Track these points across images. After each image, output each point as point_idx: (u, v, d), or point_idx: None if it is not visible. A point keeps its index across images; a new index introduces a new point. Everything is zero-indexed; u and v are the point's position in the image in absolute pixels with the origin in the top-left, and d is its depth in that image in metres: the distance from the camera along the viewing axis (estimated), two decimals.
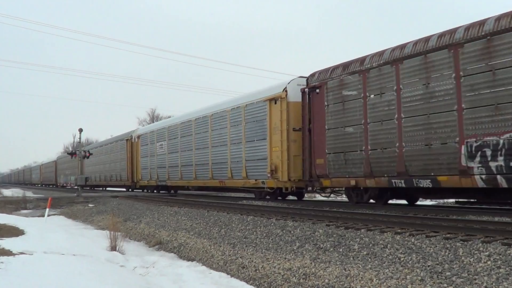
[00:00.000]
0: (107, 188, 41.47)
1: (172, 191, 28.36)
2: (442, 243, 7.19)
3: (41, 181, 72.69)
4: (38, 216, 18.86)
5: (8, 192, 40.32)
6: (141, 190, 31.83)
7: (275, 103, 15.96)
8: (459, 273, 6.00)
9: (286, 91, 15.63)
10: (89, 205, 24.24)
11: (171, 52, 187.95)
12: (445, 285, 5.76)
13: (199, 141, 21.43)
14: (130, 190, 33.05)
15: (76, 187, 37.71)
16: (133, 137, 30.75)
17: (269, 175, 15.87)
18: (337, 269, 7.08)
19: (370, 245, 7.94)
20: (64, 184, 53.09)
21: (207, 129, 20.56)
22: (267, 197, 17.68)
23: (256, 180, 16.80)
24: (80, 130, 30.01)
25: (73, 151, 32.28)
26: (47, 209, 16.68)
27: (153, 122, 67.13)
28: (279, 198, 17.19)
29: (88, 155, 30.80)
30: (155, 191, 29.16)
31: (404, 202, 16.13)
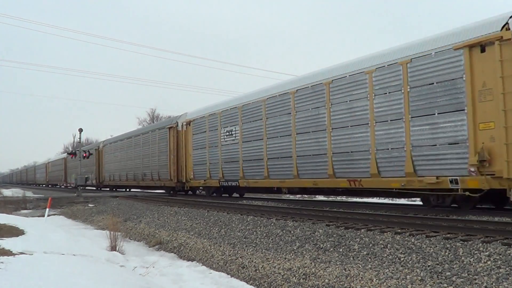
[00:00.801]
0: (134, 190, 34.95)
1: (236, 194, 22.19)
2: (442, 243, 7.19)
3: (47, 181, 65.95)
4: (38, 216, 18.85)
5: (8, 192, 40.29)
6: (191, 192, 25.58)
7: (484, 50, 9.77)
8: (459, 273, 6.00)
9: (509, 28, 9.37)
10: (89, 205, 24.24)
11: (171, 52, 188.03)
12: (445, 285, 5.76)
13: (305, 122, 14.49)
14: (172, 192, 26.33)
15: (92, 187, 36.92)
16: (179, 124, 24.16)
17: (472, 169, 9.80)
18: (337, 269, 7.08)
19: (370, 245, 7.94)
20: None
21: (323, 103, 13.72)
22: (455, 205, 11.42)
23: (438, 177, 10.56)
24: (80, 130, 30.02)
25: (73, 151, 32.13)
26: (47, 209, 16.70)
27: (153, 122, 66.11)
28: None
29: (87, 155, 30.77)
30: (214, 193, 22.33)
31: (404, 202, 16.16)
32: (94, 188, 40.53)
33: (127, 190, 35.78)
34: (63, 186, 54.17)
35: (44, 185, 69.49)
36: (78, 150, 30.44)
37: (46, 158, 77.15)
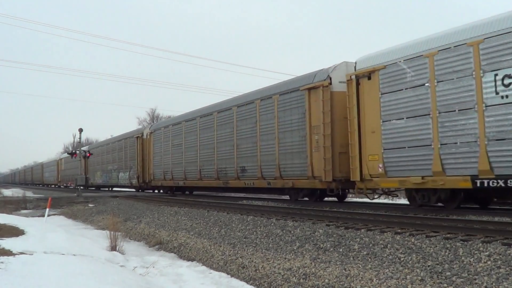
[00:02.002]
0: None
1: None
2: (442, 243, 7.19)
3: (59, 181, 56.13)
4: (38, 216, 18.86)
5: (8, 192, 40.28)
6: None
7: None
8: (459, 273, 6.00)
9: None
10: (89, 205, 24.24)
11: (171, 52, 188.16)
12: (445, 285, 5.76)
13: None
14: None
15: (128, 188, 33.36)
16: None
17: None
18: (337, 269, 7.08)
19: (370, 245, 7.94)
20: (101, 184, 40.01)
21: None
22: None
23: None
24: (80, 130, 30.02)
25: (73, 151, 32.13)
26: (47, 209, 16.68)
27: (153, 122, 65.70)
28: None
29: (88, 155, 30.77)
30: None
31: (404, 202, 16.17)
32: (134, 190, 32.18)
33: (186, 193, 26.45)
34: (81, 188, 42.66)
35: (54, 186, 59.47)
36: (78, 150, 30.41)
37: (55, 155, 72.26)
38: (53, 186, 61.60)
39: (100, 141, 41.60)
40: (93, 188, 41.22)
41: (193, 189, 25.57)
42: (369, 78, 12.17)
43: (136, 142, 29.81)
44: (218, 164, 19.45)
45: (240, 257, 8.95)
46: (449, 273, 6.06)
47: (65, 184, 54.22)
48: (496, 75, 9.40)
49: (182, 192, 26.29)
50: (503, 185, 9.19)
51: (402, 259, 6.98)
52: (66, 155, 53.83)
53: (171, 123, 25.28)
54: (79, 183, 30.04)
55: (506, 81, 9.25)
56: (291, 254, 8.50)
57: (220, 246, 10.10)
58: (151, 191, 30.23)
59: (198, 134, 21.51)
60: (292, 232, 9.90)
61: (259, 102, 16.72)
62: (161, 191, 28.41)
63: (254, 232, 10.67)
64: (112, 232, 11.12)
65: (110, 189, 39.53)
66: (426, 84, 10.66)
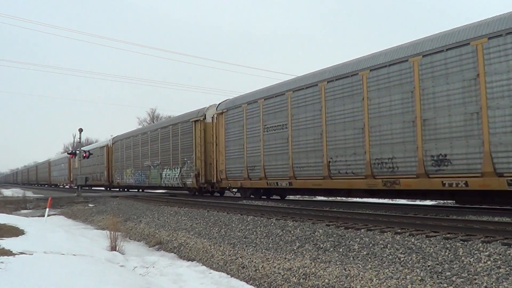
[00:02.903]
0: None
1: None
2: (442, 243, 7.19)
3: (72, 181, 46.31)
4: (38, 216, 18.85)
5: (8, 192, 40.26)
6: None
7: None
8: (459, 273, 6.00)
9: None
10: (89, 205, 24.24)
11: (171, 52, 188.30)
12: (445, 285, 5.76)
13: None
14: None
15: (182, 191, 25.51)
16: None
17: None
18: (337, 269, 7.08)
19: (370, 245, 7.94)
20: (133, 185, 31.07)
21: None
22: None
23: None
24: (80, 130, 29.96)
25: (73, 151, 32.01)
26: (47, 209, 16.69)
27: (153, 122, 65.40)
28: None
29: (87, 155, 30.67)
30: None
31: (404, 202, 16.18)
32: (188, 193, 24.35)
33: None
34: (108, 189, 37.98)
35: (63, 187, 50.95)
36: (78, 150, 30.35)
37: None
38: (62, 187, 52.53)
39: (129, 131, 32.65)
40: (118, 190, 34.59)
41: (302, 192, 17.66)
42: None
43: (194, 128, 21.78)
44: (375, 152, 12.12)
45: (240, 257, 8.95)
46: (449, 273, 6.06)
47: (79, 185, 47.76)
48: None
49: (267, 197, 18.38)
50: None
51: (402, 259, 6.98)
52: (80, 150, 47.06)
53: (261, 96, 16.90)
54: (79, 183, 29.95)
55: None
56: (291, 254, 8.50)
57: (220, 246, 10.10)
58: (219, 194, 23.26)
59: (323, 107, 13.86)
60: (292, 232, 9.90)
61: None
62: (236, 193, 20.82)
63: (254, 232, 10.67)
64: (112, 232, 11.12)
65: (143, 190, 32.64)
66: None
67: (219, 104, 20.46)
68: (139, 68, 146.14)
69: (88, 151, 32.41)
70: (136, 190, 33.32)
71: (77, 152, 30.04)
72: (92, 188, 43.65)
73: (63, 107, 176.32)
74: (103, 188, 40.45)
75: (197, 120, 21.94)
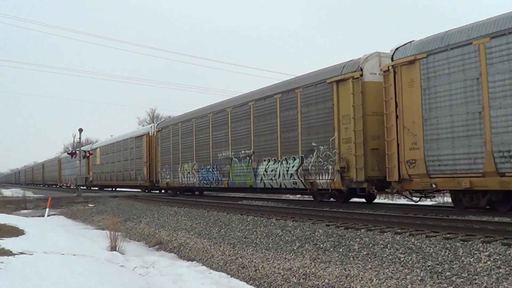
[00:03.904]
0: None
1: None
2: (442, 243, 7.19)
3: (91, 179, 38.88)
4: (38, 216, 18.85)
5: (8, 192, 40.25)
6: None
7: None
8: (459, 273, 6.00)
9: None
10: (89, 205, 24.24)
11: (171, 52, 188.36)
12: (445, 285, 5.76)
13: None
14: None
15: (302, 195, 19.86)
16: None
17: None
18: (337, 269, 7.08)
19: (370, 245, 7.93)
20: (191, 185, 22.46)
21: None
22: None
23: None
24: (80, 130, 29.98)
25: (73, 151, 32.00)
26: (47, 209, 16.69)
27: (153, 122, 64.83)
28: None
29: (88, 155, 30.69)
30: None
31: (404, 202, 16.17)
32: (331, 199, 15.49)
33: None
34: (146, 191, 29.83)
35: (77, 188, 33.27)
36: (78, 150, 30.36)
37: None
38: (77, 188, 42.67)
39: (187, 112, 24.46)
40: (166, 192, 27.19)
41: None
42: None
43: (338, 92, 13.22)
44: None
45: (240, 257, 8.95)
46: (449, 273, 6.06)
47: (101, 185, 38.71)
48: None
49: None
50: None
51: (402, 259, 6.97)
52: (103, 142, 39.16)
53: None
54: (79, 183, 29.96)
55: None
56: (291, 254, 8.50)
57: (220, 246, 10.10)
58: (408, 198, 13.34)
59: None
60: (292, 232, 9.89)
61: None
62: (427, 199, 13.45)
63: (254, 232, 10.67)
64: (112, 232, 11.12)
65: (216, 194, 24.99)
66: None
67: (399, 47, 11.75)
68: (139, 68, 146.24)
69: (89, 151, 32.39)
70: (198, 193, 25.26)
71: (77, 152, 30.06)
72: (119, 189, 35.82)
73: (63, 107, 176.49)
74: (138, 190, 31.59)
75: (343, 80, 13.10)
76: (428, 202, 16.51)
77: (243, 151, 17.72)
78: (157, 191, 29.11)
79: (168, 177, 24.55)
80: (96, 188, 40.89)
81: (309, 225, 10.06)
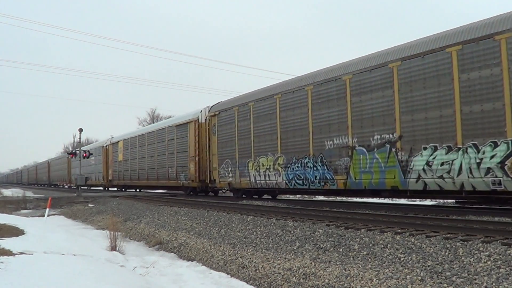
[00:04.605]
0: None
1: None
2: (442, 243, 7.19)
3: (110, 179, 34.49)
4: (38, 216, 18.85)
5: (8, 192, 40.25)
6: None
7: None
8: (459, 273, 6.00)
9: None
10: (89, 205, 24.24)
11: (171, 52, 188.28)
12: (445, 285, 5.76)
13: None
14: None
15: None
16: None
17: None
18: (337, 269, 7.08)
19: (370, 245, 7.94)
20: (274, 185, 16.05)
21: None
22: None
23: None
24: (80, 130, 29.95)
25: (73, 151, 31.95)
26: (47, 209, 16.70)
27: (153, 122, 64.92)
28: None
29: (87, 155, 30.65)
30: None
31: (404, 202, 16.18)
32: None
33: None
34: (191, 193, 23.86)
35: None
36: (78, 150, 30.33)
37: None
38: (99, 188, 37.66)
39: (255, 90, 18.29)
40: (238, 196, 19.44)
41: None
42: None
43: None
44: None
45: (240, 257, 8.95)
46: (449, 273, 6.06)
47: (122, 185, 33.05)
48: None
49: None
50: None
51: (402, 259, 6.98)
52: (128, 134, 32.75)
53: None
54: (78, 183, 29.93)
55: None
56: (291, 254, 8.50)
57: (220, 246, 10.10)
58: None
59: None
60: (292, 232, 9.89)
61: None
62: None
63: (254, 232, 10.67)
64: (112, 232, 11.12)
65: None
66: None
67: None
68: (139, 68, 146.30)
69: (89, 151, 32.16)
70: (270, 197, 19.53)
71: (77, 152, 30.03)
72: (148, 191, 31.00)
73: (63, 107, 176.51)
74: (180, 192, 25.53)
75: None
76: (428, 202, 16.53)
77: (377, 136, 12.28)
78: (207, 193, 23.85)
79: (230, 175, 18.70)
80: (115, 189, 35.41)
81: (309, 225, 10.07)
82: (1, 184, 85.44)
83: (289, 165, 15.27)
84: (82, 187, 29.53)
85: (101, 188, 37.87)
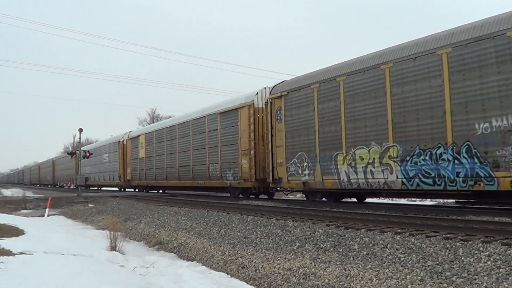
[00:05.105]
0: None
1: None
2: (442, 243, 7.19)
3: (128, 179, 30.42)
4: (38, 216, 18.86)
5: (8, 192, 40.24)
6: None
7: None
8: (459, 273, 6.00)
9: None
10: (89, 205, 24.24)
11: (171, 52, 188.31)
12: (445, 285, 5.76)
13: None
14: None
15: None
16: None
17: None
18: (337, 269, 7.08)
19: (370, 245, 7.93)
20: (388, 187, 11.78)
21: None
22: None
23: None
24: (80, 130, 29.95)
25: (73, 151, 31.92)
26: (47, 209, 16.72)
27: (153, 122, 64.69)
28: None
29: (88, 155, 30.63)
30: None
31: (404, 202, 16.17)
32: None
33: None
34: (240, 195, 19.36)
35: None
36: (78, 150, 30.32)
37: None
38: (114, 189, 32.62)
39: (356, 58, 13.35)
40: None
41: None
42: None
43: None
44: None
45: (240, 257, 8.95)
46: (449, 273, 6.06)
47: (138, 186, 29.14)
48: None
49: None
50: None
51: (402, 259, 6.97)
52: (151, 126, 29.38)
53: None
54: (78, 183, 29.91)
55: None
56: (291, 254, 8.50)
57: (220, 246, 10.10)
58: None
59: None
60: (292, 232, 9.89)
61: None
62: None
63: (254, 232, 10.67)
64: (112, 232, 11.12)
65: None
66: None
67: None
68: (139, 68, 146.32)
69: (89, 151, 32.05)
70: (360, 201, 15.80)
71: (77, 152, 30.02)
72: (176, 191, 26.73)
73: (63, 107, 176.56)
74: (226, 195, 21.42)
75: None
76: (428, 202, 16.53)
77: None
78: (270, 195, 19.39)
79: (306, 172, 14.54)
80: (132, 190, 31.02)
81: (309, 225, 10.06)
82: (2, 184, 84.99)
83: (408, 158, 11.23)
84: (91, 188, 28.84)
85: (116, 188, 32.81)
